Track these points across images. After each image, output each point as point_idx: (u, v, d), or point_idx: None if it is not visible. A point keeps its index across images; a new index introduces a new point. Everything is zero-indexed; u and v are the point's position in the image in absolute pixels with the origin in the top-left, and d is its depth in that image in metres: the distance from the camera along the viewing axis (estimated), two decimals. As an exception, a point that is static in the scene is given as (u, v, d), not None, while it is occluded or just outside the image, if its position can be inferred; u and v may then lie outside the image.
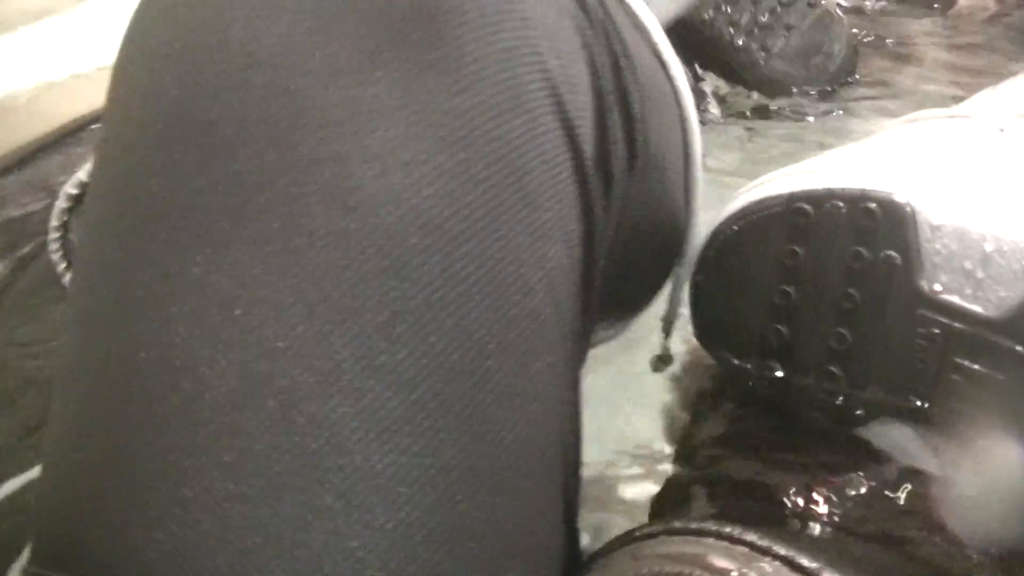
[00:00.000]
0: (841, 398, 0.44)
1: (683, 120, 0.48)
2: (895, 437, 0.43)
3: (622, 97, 0.40)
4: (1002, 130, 0.48)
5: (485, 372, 0.32)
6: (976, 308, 0.40)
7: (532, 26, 0.35)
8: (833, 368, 0.44)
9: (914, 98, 0.85)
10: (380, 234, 0.30)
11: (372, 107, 0.31)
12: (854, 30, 0.96)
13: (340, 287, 0.30)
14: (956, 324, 0.41)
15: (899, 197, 0.41)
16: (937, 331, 0.41)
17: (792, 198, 0.44)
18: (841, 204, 0.42)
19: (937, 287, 0.41)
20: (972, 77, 0.87)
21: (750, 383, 0.47)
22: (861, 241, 0.42)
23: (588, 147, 0.36)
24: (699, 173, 0.47)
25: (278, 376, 0.29)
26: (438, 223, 0.31)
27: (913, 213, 0.41)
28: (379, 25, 0.32)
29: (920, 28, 0.99)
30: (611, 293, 0.44)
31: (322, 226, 0.30)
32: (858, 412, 0.44)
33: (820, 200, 0.43)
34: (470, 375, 0.31)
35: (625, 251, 0.43)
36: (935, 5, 1.03)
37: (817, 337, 0.44)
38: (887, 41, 0.97)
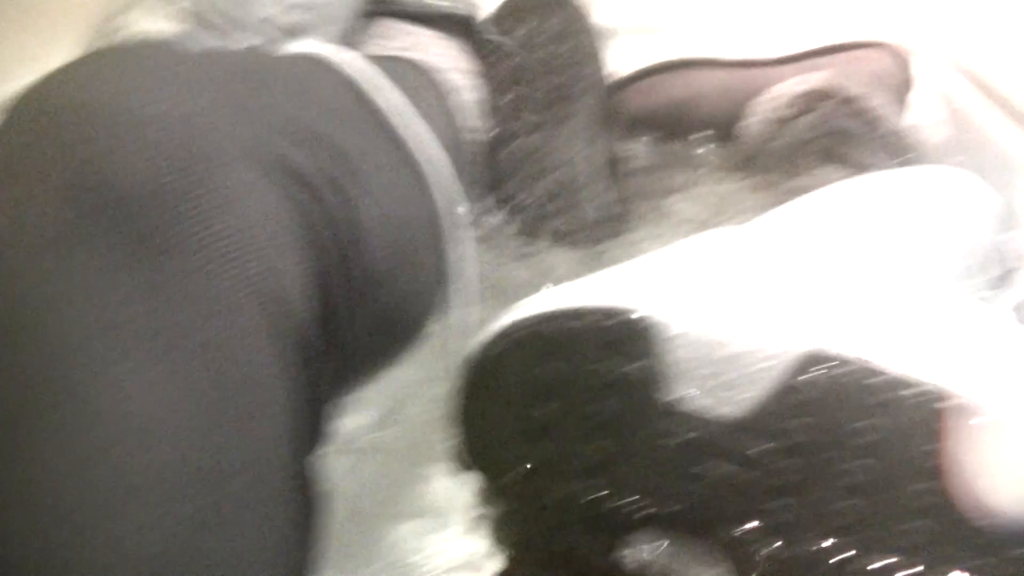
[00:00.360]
0: (603, 510, 0.45)
1: (441, 238, 0.55)
2: (654, 549, 0.44)
3: (354, 258, 0.47)
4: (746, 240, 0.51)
5: (208, 537, 0.37)
6: (718, 413, 0.42)
7: (244, 233, 0.40)
8: (593, 481, 0.45)
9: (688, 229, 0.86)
10: (105, 441, 0.35)
11: (102, 328, 0.37)
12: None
13: (72, 484, 0.35)
14: (698, 433, 0.42)
15: (638, 312, 0.43)
16: (685, 439, 0.42)
17: (541, 319, 0.45)
18: (585, 322, 0.44)
19: (679, 396, 0.42)
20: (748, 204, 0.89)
21: (515, 501, 0.48)
22: (607, 357, 0.43)
23: (302, 318, 0.43)
24: (467, 290, 0.50)
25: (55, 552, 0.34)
26: (159, 428, 0.36)
27: (652, 326, 0.43)
28: (112, 249, 0.37)
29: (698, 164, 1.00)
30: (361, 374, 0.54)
31: (58, 442, 0.35)
32: (620, 524, 0.45)
33: (566, 319, 0.44)
34: (189, 545, 0.36)
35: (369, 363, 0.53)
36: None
37: (575, 453, 0.45)
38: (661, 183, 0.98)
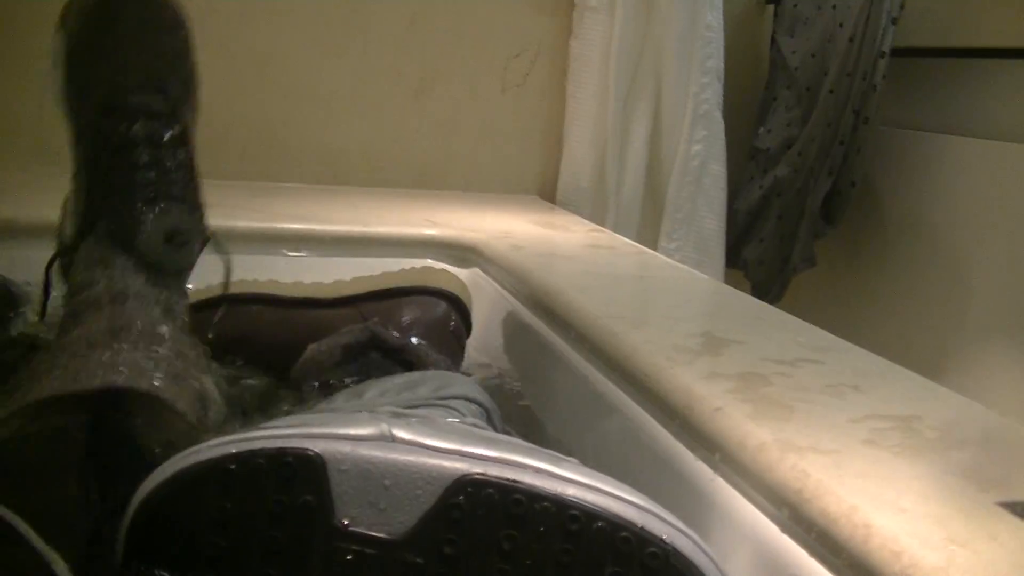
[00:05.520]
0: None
1: None
2: None
3: None
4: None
5: None
6: (381, 534, 0.48)
7: None
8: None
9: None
10: None
11: None
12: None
13: None
14: (367, 550, 0.48)
15: (312, 451, 0.49)
16: (351, 557, 0.48)
17: (221, 460, 0.49)
18: (263, 460, 0.49)
19: (347, 521, 0.48)
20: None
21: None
22: (282, 490, 0.49)
23: None
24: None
25: None
26: None
27: (324, 463, 0.49)
28: None
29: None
30: None
31: None
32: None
33: (245, 460, 0.49)
34: None
35: None
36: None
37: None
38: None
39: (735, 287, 1.21)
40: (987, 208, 1.75)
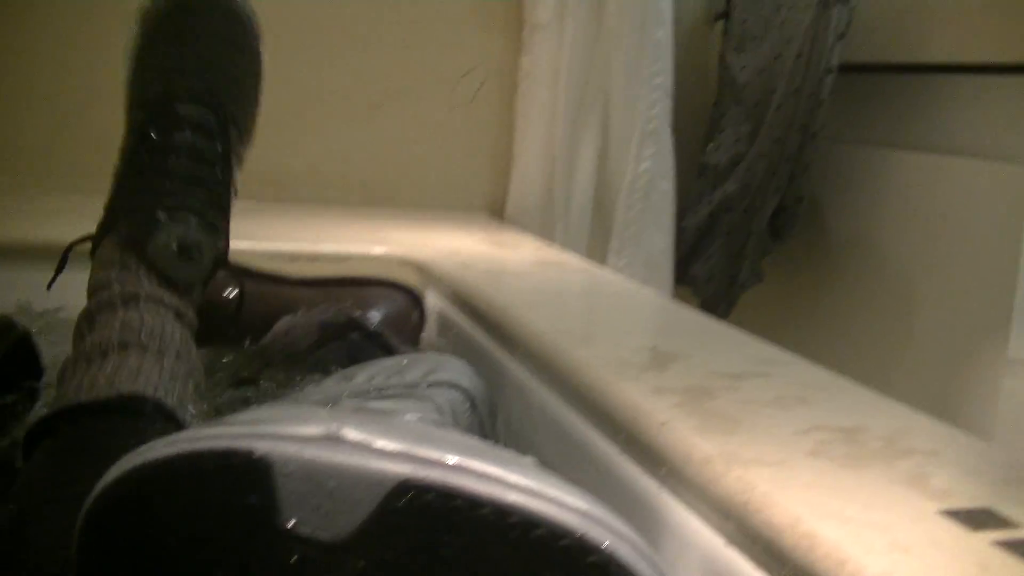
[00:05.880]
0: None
1: None
2: None
3: None
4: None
5: None
6: (323, 536, 0.48)
7: None
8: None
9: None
10: None
11: None
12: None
13: None
14: (310, 551, 0.48)
15: (256, 452, 0.49)
16: (295, 559, 0.48)
17: (168, 460, 0.49)
18: (211, 461, 0.49)
19: (291, 523, 0.48)
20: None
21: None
22: (227, 491, 0.49)
23: None
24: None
25: None
26: None
27: (269, 465, 0.48)
28: None
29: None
30: None
31: None
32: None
33: (192, 460, 0.49)
34: None
35: None
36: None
37: None
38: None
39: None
40: (932, 222, 1.77)
